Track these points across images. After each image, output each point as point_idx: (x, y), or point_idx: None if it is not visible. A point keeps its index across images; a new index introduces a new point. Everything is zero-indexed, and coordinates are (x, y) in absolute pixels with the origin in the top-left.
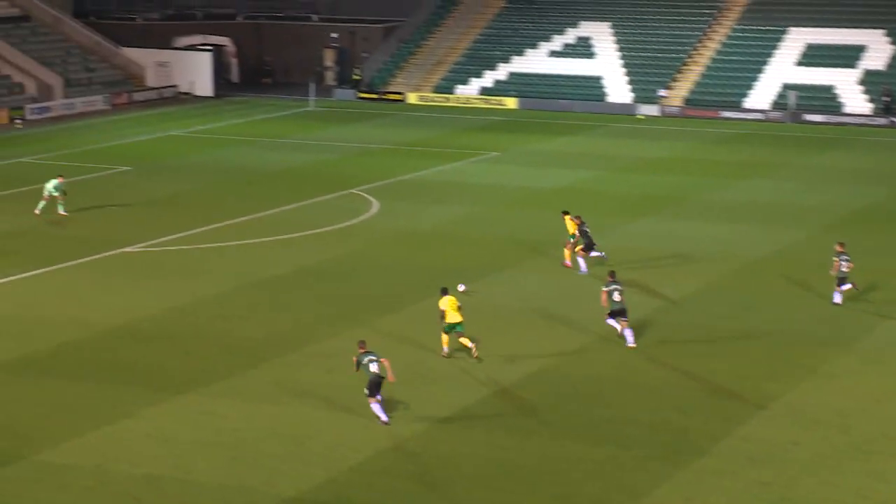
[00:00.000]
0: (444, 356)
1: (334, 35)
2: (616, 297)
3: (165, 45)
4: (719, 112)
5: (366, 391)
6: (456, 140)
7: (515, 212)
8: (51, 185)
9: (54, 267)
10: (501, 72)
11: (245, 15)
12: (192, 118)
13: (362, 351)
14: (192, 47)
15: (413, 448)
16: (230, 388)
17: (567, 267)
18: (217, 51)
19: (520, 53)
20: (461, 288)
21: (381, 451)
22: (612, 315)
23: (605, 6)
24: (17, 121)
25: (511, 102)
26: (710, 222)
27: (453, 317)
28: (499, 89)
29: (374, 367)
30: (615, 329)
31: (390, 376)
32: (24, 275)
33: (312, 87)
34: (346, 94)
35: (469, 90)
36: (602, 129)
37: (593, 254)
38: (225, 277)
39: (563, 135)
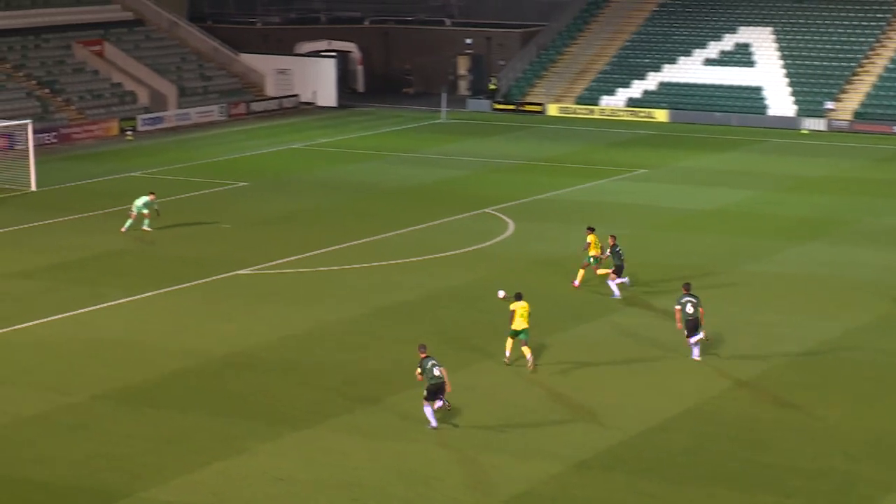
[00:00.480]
0: (505, 363)
1: (469, 41)
2: (689, 309)
3: (287, 51)
4: (893, 127)
5: (424, 394)
6: (600, 156)
7: (665, 235)
8: (140, 202)
9: (163, 290)
10: (651, 81)
11: (372, 19)
12: (314, 130)
13: (423, 356)
14: (315, 54)
15: (549, 492)
16: (352, 423)
17: (575, 287)
18: (342, 57)
19: (672, 61)
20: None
21: (514, 496)
22: (690, 329)
23: (766, 10)
24: (128, 132)
25: (661, 115)
26: (882, 248)
27: (519, 323)
28: (648, 100)
29: (437, 371)
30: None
31: (447, 386)
32: (131, 298)
33: (444, 97)
34: (481, 104)
35: (615, 101)
36: (762, 145)
37: (619, 280)
38: (346, 304)
39: (719, 151)
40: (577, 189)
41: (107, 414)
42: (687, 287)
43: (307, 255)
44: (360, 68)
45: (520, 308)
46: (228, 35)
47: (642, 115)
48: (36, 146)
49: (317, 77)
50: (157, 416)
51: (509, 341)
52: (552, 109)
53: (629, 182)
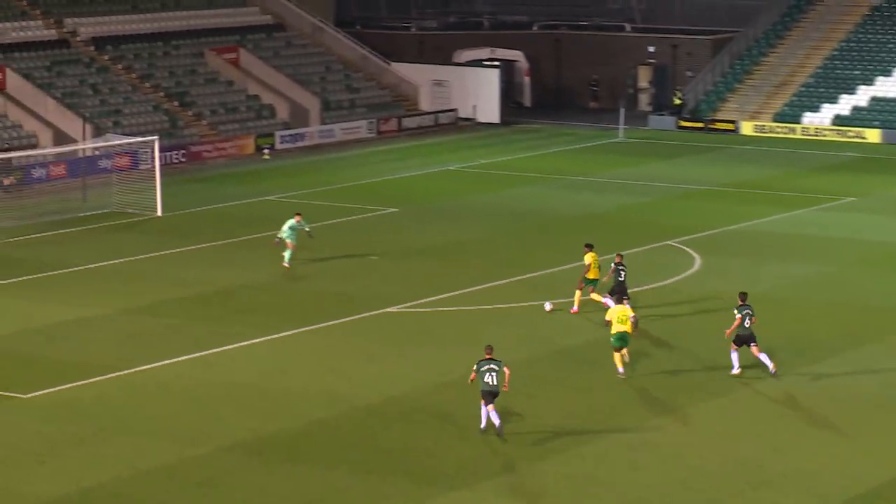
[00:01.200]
0: (620, 376)
1: (651, 49)
2: (747, 322)
3: (444, 60)
4: None
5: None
6: (801, 181)
7: (877, 273)
8: (286, 227)
9: (303, 329)
10: (862, 96)
11: (542, 24)
12: (473, 150)
13: (487, 357)
14: (476, 63)
15: None
16: (513, 484)
17: (574, 313)
18: (506, 67)
19: (886, 73)
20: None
21: None
22: (739, 342)
23: None
24: (266, 150)
25: (873, 135)
26: None
27: (620, 327)
28: (858, 118)
29: (488, 378)
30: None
31: (505, 385)
32: (268, 337)
33: (622, 112)
34: (664, 122)
35: (820, 119)
36: None
37: (606, 300)
38: (509, 346)
39: None
40: (773, 220)
41: (238, 468)
42: (743, 297)
43: (464, 291)
44: (526, 79)
45: (618, 314)
46: (379, 42)
47: (851, 134)
48: (162, 165)
49: (478, 89)
50: (295, 471)
51: (616, 354)
52: (746, 128)
53: (834, 212)
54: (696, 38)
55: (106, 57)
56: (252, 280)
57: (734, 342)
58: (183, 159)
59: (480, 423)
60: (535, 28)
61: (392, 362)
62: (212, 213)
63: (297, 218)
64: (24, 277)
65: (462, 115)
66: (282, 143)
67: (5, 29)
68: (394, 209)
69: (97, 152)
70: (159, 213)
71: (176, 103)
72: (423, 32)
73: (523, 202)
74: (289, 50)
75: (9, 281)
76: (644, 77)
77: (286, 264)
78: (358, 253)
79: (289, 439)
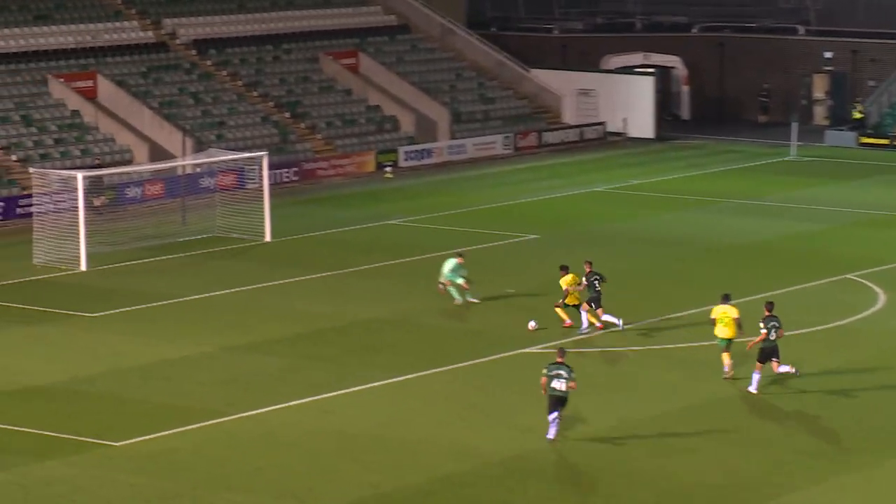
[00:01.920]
0: (725, 378)
1: (828, 55)
2: (772, 335)
3: (591, 66)
4: None
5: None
6: None
7: None
8: (447, 270)
9: (430, 370)
10: None
11: (703, 25)
12: (624, 168)
13: (559, 361)
14: (627, 70)
15: None
16: None
17: (577, 326)
18: (662, 75)
19: None
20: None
21: None
22: (763, 357)
23: None
24: (388, 168)
25: None
26: None
27: (723, 331)
28: None
29: (557, 384)
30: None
31: (573, 384)
32: (390, 380)
33: (794, 127)
34: (843, 138)
35: None
36: None
37: (606, 317)
38: (661, 395)
39: None
40: None
41: None
42: (769, 307)
43: (614, 329)
44: (685, 89)
45: (721, 314)
46: (517, 45)
47: None
48: (272, 185)
49: (629, 100)
50: None
51: (724, 355)
52: None
53: None
54: (881, 41)
55: (209, 62)
56: (372, 315)
57: (758, 358)
58: (295, 178)
59: (549, 434)
60: (695, 30)
61: (530, 410)
62: (327, 239)
63: (459, 260)
64: (117, 310)
65: (611, 129)
66: (406, 159)
67: (97, 31)
68: (534, 235)
69: (198, 169)
70: (268, 238)
71: (287, 114)
72: (566, 35)
73: (681, 228)
74: (414, 55)
75: (100, 314)
76: (820, 87)
77: (465, 299)
78: (492, 286)
79: (412, 497)
